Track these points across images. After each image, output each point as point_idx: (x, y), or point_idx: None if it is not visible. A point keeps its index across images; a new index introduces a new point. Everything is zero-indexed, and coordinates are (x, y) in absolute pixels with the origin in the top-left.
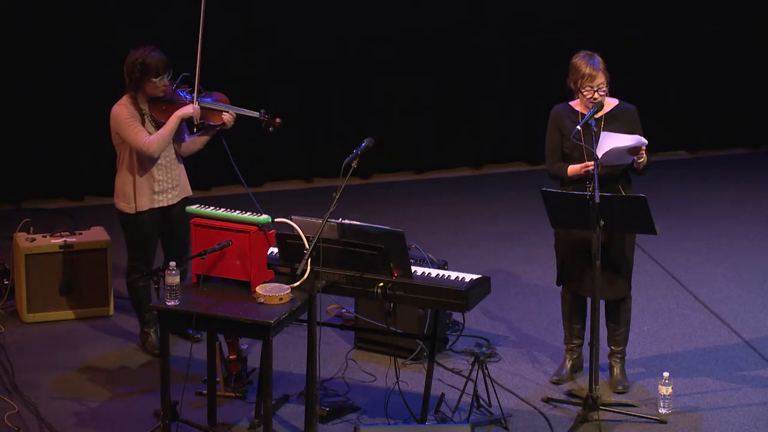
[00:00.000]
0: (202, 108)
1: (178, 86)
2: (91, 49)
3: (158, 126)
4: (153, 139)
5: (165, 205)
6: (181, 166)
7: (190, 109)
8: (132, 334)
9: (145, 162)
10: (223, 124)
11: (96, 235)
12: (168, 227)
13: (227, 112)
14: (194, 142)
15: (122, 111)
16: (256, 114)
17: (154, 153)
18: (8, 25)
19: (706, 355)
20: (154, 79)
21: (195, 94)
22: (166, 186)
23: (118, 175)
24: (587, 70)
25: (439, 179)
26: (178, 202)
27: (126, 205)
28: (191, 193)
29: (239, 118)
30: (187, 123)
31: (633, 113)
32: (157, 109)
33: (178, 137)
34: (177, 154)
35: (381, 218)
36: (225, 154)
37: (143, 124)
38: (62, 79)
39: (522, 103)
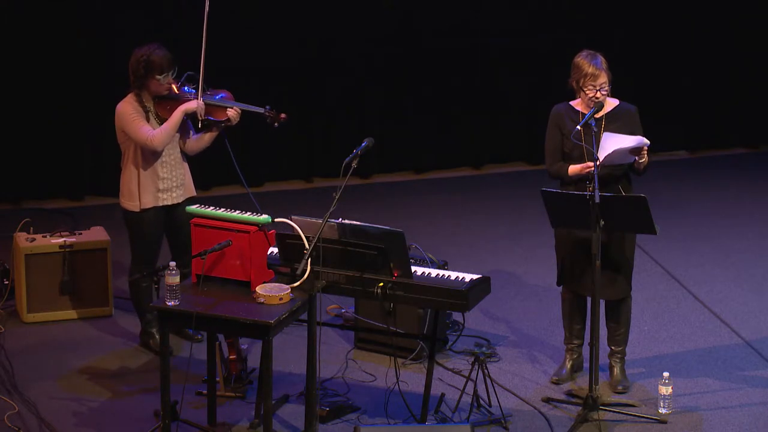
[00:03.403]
0: (206, 104)
1: (183, 84)
2: (91, 49)
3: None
4: (156, 132)
5: (170, 203)
6: (186, 165)
7: (194, 105)
8: (132, 334)
9: (149, 158)
10: (228, 120)
11: (96, 235)
12: (173, 227)
13: (232, 108)
14: (200, 140)
15: (126, 108)
16: (261, 110)
17: (158, 147)
18: (8, 24)
19: (706, 355)
20: (159, 77)
21: (199, 90)
22: (171, 184)
23: (123, 173)
24: (590, 70)
25: (439, 179)
26: (182, 202)
27: (130, 203)
28: (195, 194)
29: (244, 114)
30: (192, 120)
31: (634, 113)
32: (162, 107)
33: (184, 135)
34: (182, 152)
35: (381, 218)
36: (225, 154)
37: (148, 121)
38: (62, 78)
39: (522, 103)
